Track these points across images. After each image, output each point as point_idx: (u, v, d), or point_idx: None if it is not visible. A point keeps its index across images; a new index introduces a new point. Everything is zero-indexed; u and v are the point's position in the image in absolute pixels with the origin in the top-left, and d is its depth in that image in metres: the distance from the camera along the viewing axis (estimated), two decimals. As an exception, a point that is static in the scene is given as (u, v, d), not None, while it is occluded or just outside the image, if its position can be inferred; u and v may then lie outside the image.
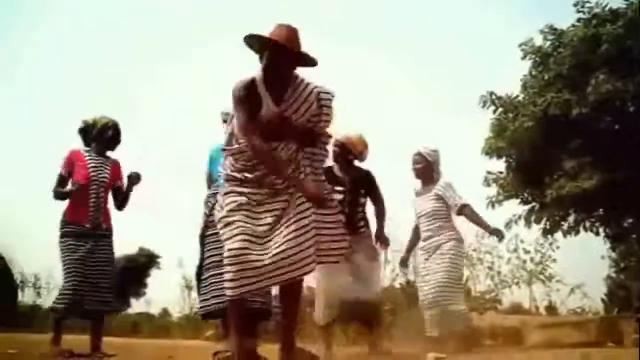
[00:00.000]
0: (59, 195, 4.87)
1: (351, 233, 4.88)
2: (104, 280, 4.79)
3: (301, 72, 3.46)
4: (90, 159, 4.91)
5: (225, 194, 3.38)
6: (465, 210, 5.59)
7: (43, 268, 16.90)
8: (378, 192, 5.26)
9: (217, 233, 4.22)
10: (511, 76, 10.97)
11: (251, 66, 3.43)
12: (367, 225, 5.26)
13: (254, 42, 3.36)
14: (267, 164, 3.30)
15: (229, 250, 3.19)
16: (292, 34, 3.36)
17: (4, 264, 4.37)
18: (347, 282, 4.94)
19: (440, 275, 5.46)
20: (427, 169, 5.67)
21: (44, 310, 16.02)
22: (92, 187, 4.86)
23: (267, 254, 3.20)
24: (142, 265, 25.21)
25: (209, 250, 4.43)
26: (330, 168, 5.17)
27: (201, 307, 4.49)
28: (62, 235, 4.82)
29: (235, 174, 3.40)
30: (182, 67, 31.07)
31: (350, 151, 5.18)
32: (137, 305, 22.82)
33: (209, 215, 4.46)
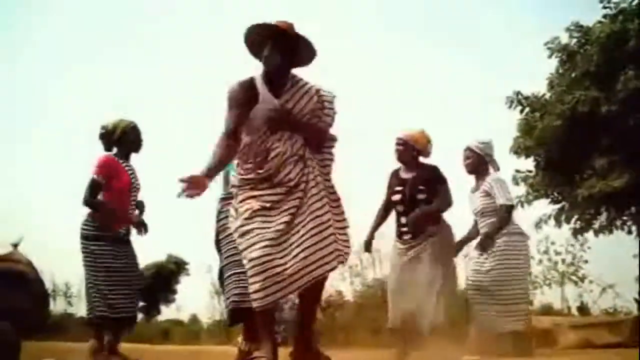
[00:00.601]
0: (92, 204, 4.76)
1: (420, 233, 4.89)
2: (137, 286, 4.79)
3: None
4: (125, 164, 4.88)
5: (240, 201, 3.36)
6: (500, 210, 5.37)
7: (74, 276, 17.12)
8: (439, 188, 5.07)
9: (226, 237, 4.30)
10: (537, 75, 10.86)
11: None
12: (436, 221, 5.12)
13: (256, 33, 3.39)
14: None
15: (251, 260, 3.17)
16: (291, 25, 3.40)
17: (35, 273, 4.39)
18: (409, 288, 4.89)
19: (491, 273, 5.31)
20: (477, 164, 5.50)
21: (75, 318, 16.19)
22: (132, 192, 4.84)
23: (288, 256, 3.17)
24: (171, 272, 25.40)
25: (226, 251, 4.39)
26: (395, 171, 5.17)
27: (227, 307, 4.45)
28: (94, 239, 4.72)
29: (246, 176, 3.39)
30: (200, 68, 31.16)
31: (413, 147, 5.10)
32: (167, 312, 22.96)
33: (218, 220, 4.48)
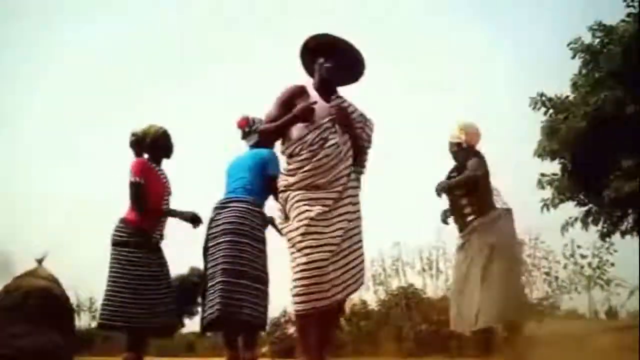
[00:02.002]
0: (141, 205, 4.69)
1: (465, 226, 4.73)
2: (169, 294, 4.73)
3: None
4: (159, 169, 4.87)
5: (297, 201, 3.33)
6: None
7: (98, 290, 17.17)
8: (471, 161, 4.82)
9: (215, 245, 4.35)
10: (561, 77, 10.75)
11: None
12: (479, 212, 4.81)
13: (317, 42, 3.55)
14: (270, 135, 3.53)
15: (311, 262, 3.16)
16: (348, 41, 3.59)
17: (60, 289, 4.36)
18: (462, 286, 4.75)
19: None
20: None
21: (100, 333, 16.25)
22: (165, 197, 4.81)
23: (341, 265, 3.21)
24: (194, 284, 25.45)
25: (208, 262, 4.41)
26: (449, 173, 5.04)
27: (201, 320, 4.45)
28: (125, 245, 4.63)
29: (300, 172, 3.38)
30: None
31: (461, 145, 4.95)
32: (190, 325, 22.98)
33: (209, 228, 4.48)
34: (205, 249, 4.50)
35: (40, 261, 4.32)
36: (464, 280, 4.78)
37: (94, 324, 16.89)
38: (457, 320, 4.81)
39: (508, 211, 4.89)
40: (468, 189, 4.78)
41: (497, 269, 4.66)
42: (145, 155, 4.89)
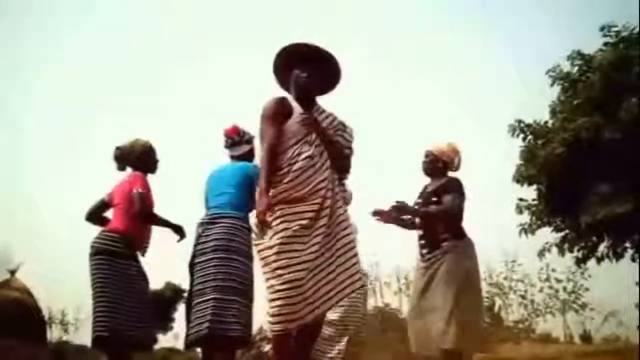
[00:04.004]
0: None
1: (435, 248, 4.69)
2: (150, 306, 4.66)
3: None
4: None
5: (276, 218, 3.26)
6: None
7: (69, 303, 16.99)
8: (447, 198, 4.63)
9: (204, 261, 4.28)
10: (539, 103, 10.93)
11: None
12: (454, 236, 4.67)
13: (290, 52, 3.51)
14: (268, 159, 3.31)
15: (288, 282, 3.11)
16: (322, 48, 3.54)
17: (34, 302, 4.28)
18: (424, 311, 4.72)
19: None
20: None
21: (71, 345, 16.06)
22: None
23: (317, 281, 3.16)
24: (169, 299, 25.23)
25: (196, 278, 4.32)
26: (425, 186, 4.99)
27: (187, 336, 4.34)
28: (112, 254, 4.50)
29: (279, 189, 3.31)
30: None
31: (438, 159, 4.94)
32: (164, 341, 22.73)
33: (197, 244, 4.40)
34: (192, 265, 4.42)
35: (13, 272, 4.26)
36: (428, 300, 4.75)
37: (65, 337, 16.71)
38: (420, 341, 4.76)
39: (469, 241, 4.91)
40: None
41: (472, 294, 4.66)
42: (129, 170, 4.82)
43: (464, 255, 4.68)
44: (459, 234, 4.75)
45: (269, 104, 3.44)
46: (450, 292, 4.55)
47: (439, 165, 4.89)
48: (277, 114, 3.39)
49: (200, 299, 4.23)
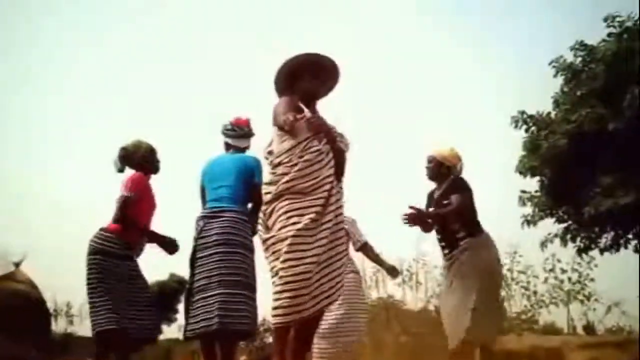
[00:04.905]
0: (125, 220, 4.61)
1: (454, 247, 4.79)
2: (150, 305, 4.70)
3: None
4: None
5: (284, 212, 3.32)
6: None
7: (76, 295, 17.06)
8: (455, 195, 4.78)
9: (207, 256, 4.30)
10: (543, 95, 10.91)
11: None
12: (470, 234, 4.83)
13: (302, 61, 3.59)
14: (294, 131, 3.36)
15: (296, 275, 3.16)
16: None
17: (38, 294, 4.31)
18: (449, 308, 4.83)
19: None
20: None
21: (76, 337, 16.13)
22: (152, 213, 4.79)
23: (321, 276, 3.23)
24: (173, 291, 25.33)
25: (199, 273, 4.33)
26: (431, 192, 5.10)
27: (189, 330, 4.35)
28: (108, 254, 4.57)
29: (287, 182, 3.37)
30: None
31: (442, 164, 5.02)
32: (168, 332, 22.82)
33: (199, 238, 4.41)
34: (193, 260, 4.41)
35: (17, 264, 4.29)
36: (451, 298, 4.85)
37: (70, 329, 16.78)
38: (451, 338, 4.87)
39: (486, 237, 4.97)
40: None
41: (490, 288, 4.77)
42: (132, 170, 4.83)
43: (482, 251, 4.82)
44: (476, 231, 4.87)
45: (282, 100, 3.54)
46: (470, 289, 4.70)
47: (443, 170, 4.98)
48: (291, 107, 3.44)
49: (206, 294, 4.24)
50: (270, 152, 3.54)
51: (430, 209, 5.01)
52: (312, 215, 3.26)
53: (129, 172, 4.81)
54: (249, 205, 4.53)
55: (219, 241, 4.30)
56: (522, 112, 10.52)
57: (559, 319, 12.77)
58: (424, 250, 10.37)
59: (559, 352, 8.16)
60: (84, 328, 17.31)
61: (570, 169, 9.64)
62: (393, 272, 6.01)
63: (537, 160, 10.01)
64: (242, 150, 4.73)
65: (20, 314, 3.60)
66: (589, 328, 12.64)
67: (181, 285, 25.48)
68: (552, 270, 11.98)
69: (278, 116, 3.42)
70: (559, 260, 11.91)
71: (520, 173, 10.29)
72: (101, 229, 4.66)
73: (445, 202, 4.83)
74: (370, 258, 5.88)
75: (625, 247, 10.37)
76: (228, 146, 4.78)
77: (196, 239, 4.43)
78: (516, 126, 10.47)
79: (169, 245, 4.73)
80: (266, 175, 3.61)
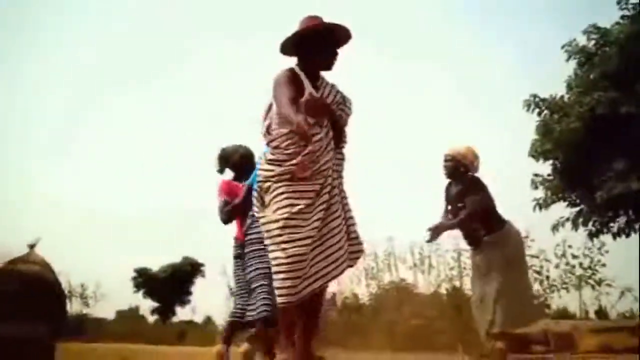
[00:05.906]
0: (229, 220, 4.96)
1: (477, 244, 4.95)
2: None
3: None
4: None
5: (280, 194, 3.32)
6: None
7: (90, 277, 17.23)
8: (469, 197, 5.01)
9: (258, 250, 4.53)
10: (556, 78, 10.85)
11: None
12: (491, 230, 5.06)
13: (321, 29, 3.48)
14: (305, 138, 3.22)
15: (292, 256, 3.18)
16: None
17: (54, 276, 4.37)
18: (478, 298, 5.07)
19: None
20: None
21: (91, 319, 16.31)
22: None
23: (314, 256, 3.24)
24: (186, 273, 25.52)
25: (257, 263, 4.62)
26: (448, 185, 5.19)
27: (254, 314, 4.63)
28: (238, 257, 4.95)
29: (284, 166, 3.35)
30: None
31: (459, 163, 5.11)
32: (182, 314, 23.04)
33: (247, 234, 4.70)
34: (240, 255, 4.81)
35: (32, 246, 4.34)
36: (477, 292, 5.05)
37: (85, 310, 16.96)
38: (481, 329, 5.06)
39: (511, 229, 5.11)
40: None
41: (515, 279, 4.94)
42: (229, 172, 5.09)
43: (503, 245, 4.99)
44: (497, 226, 5.00)
45: (281, 73, 3.45)
46: (493, 283, 4.94)
47: (461, 169, 5.07)
48: (290, 81, 3.40)
49: (256, 284, 4.63)
50: (268, 129, 3.49)
51: (448, 207, 5.18)
52: (308, 201, 3.28)
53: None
54: None
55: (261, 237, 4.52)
56: (535, 96, 10.45)
57: (572, 304, 12.77)
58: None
59: (570, 336, 8.17)
60: (98, 310, 17.52)
61: (583, 153, 9.59)
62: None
63: (550, 143, 9.96)
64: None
65: (34, 296, 3.64)
66: (601, 313, 12.62)
67: (194, 267, 25.66)
68: (563, 255, 11.97)
69: (284, 107, 3.29)
70: (570, 246, 11.89)
71: (533, 157, 10.25)
72: (233, 238, 5.04)
73: (460, 205, 4.97)
74: None
75: (637, 232, 10.33)
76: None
77: (245, 234, 4.74)
78: (529, 110, 10.41)
79: None
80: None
